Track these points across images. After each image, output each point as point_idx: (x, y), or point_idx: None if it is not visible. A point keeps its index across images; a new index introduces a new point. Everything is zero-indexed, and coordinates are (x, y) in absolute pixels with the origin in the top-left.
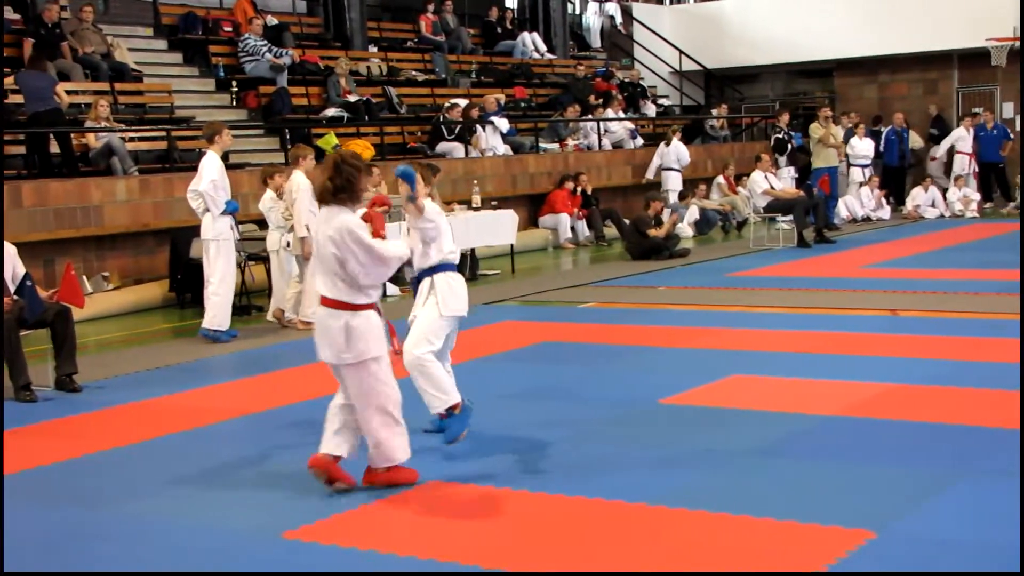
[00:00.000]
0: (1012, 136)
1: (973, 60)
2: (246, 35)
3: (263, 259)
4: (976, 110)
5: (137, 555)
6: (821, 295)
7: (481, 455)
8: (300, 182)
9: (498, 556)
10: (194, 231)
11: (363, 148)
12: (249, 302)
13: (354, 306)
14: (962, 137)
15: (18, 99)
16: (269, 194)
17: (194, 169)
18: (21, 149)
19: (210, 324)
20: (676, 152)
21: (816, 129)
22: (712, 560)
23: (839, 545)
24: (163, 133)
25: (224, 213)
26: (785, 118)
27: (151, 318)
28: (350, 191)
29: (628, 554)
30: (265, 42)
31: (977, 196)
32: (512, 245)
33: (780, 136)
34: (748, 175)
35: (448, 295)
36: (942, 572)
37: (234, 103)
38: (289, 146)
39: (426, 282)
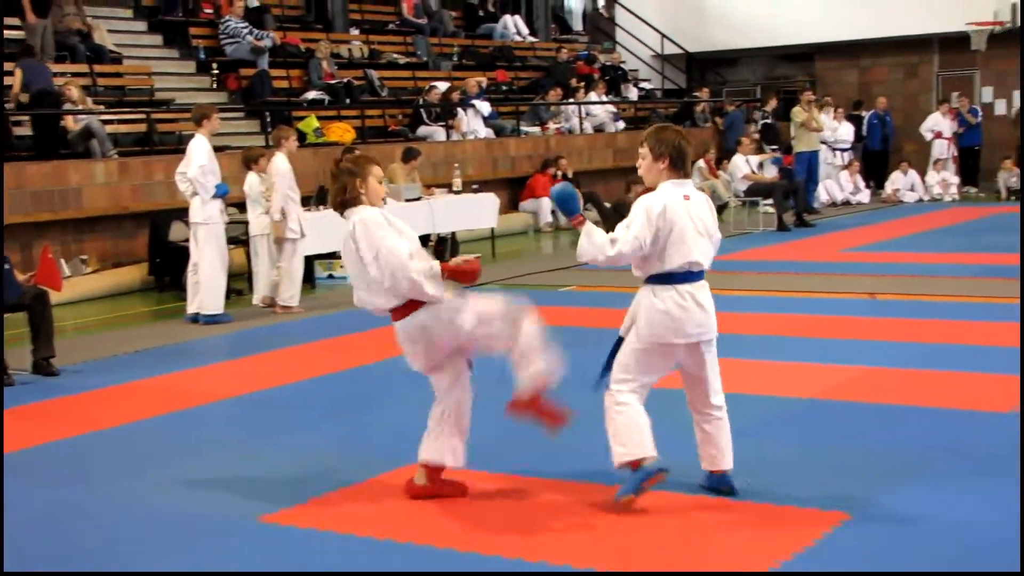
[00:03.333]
0: (972, 121)
1: (953, 44)
2: (227, 17)
3: (242, 242)
4: (954, 95)
5: (109, 537)
6: (801, 279)
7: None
8: (280, 165)
9: (473, 538)
10: (173, 214)
11: (344, 131)
12: (230, 285)
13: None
14: (939, 122)
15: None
16: (253, 177)
17: (173, 152)
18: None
19: (205, 309)
20: None
21: (799, 113)
22: (688, 543)
23: (816, 527)
24: (143, 115)
25: (215, 197)
26: (772, 103)
27: (130, 301)
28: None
29: (600, 535)
30: (246, 24)
31: (956, 180)
32: (493, 229)
33: (768, 122)
34: (728, 159)
35: (644, 315)
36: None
37: (214, 85)
38: (270, 129)
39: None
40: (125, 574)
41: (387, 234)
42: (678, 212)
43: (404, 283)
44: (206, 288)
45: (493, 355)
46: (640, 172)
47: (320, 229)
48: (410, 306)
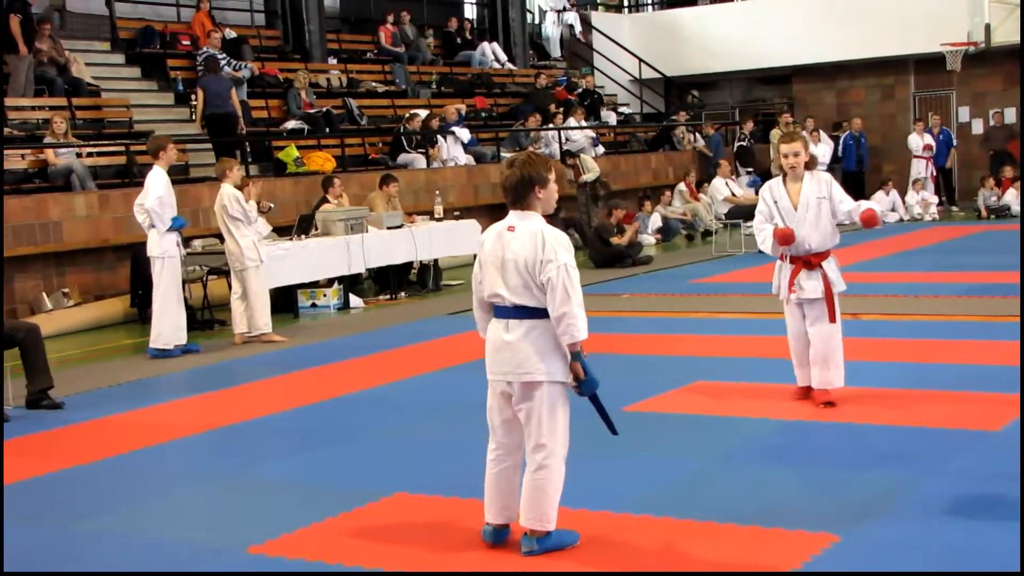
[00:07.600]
0: (955, 144)
1: (929, 65)
2: (204, 48)
3: (225, 273)
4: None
5: (98, 571)
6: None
7: (448, 466)
8: (232, 192)
9: (464, 566)
10: None
11: (324, 160)
12: (212, 316)
13: None
14: (916, 141)
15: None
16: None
17: None
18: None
19: (155, 343)
20: None
21: (777, 135)
22: (676, 566)
23: (803, 549)
24: (122, 148)
25: (170, 230)
26: (749, 125)
27: (112, 334)
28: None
29: (592, 561)
30: (224, 55)
31: (935, 199)
32: (475, 255)
33: (744, 144)
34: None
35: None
36: (909, 573)
37: (193, 116)
38: (250, 159)
39: None
40: (127, 574)
41: None
42: (490, 243)
43: None
44: (157, 321)
45: None
46: None
47: (300, 258)
48: None
